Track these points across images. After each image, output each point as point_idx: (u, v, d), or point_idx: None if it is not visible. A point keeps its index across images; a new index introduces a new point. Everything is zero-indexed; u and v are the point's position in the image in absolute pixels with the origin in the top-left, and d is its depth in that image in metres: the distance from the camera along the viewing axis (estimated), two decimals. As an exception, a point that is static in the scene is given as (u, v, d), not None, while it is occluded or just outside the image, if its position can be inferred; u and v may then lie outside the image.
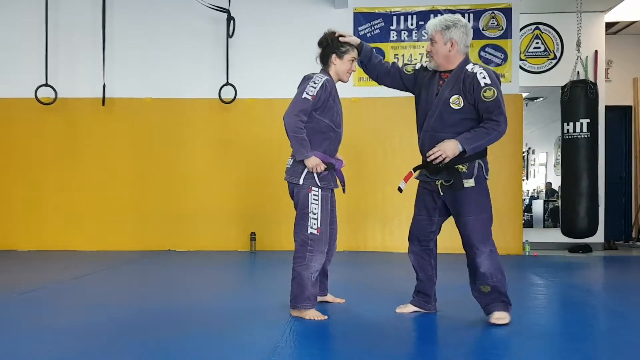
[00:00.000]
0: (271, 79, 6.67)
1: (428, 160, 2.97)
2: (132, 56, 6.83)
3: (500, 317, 2.95)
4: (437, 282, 3.30)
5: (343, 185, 3.38)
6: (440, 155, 2.91)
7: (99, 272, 4.99)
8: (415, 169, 3.21)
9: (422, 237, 3.21)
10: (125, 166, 6.77)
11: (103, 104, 6.58)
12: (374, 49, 3.37)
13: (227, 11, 6.48)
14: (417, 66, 3.24)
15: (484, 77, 2.91)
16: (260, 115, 6.69)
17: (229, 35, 6.54)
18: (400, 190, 3.23)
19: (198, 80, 6.75)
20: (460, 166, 2.95)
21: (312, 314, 3.09)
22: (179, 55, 6.80)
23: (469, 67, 2.99)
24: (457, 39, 2.98)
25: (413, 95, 3.26)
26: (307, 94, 3.09)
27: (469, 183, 2.96)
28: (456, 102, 2.96)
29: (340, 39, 3.23)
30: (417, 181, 3.27)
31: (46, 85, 6.52)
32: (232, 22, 6.50)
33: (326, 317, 3.09)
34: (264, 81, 6.69)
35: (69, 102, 6.71)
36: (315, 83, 3.11)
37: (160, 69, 6.80)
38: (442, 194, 3.05)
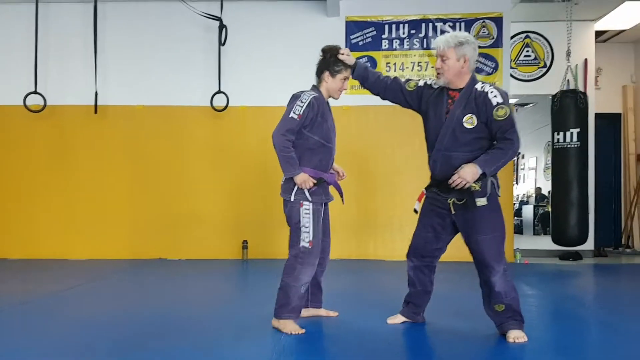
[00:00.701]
0: (263, 87, 6.68)
1: (451, 186, 2.93)
2: (124, 63, 6.81)
3: (517, 336, 2.93)
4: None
5: (341, 196, 3.42)
6: (461, 182, 2.89)
7: (90, 283, 4.97)
8: (427, 188, 3.19)
9: (426, 253, 3.21)
10: (117, 174, 6.74)
11: (95, 112, 6.55)
12: (368, 67, 3.36)
13: (220, 19, 6.48)
14: (421, 83, 3.21)
15: (495, 96, 2.91)
16: (252, 122, 6.69)
17: (221, 43, 6.54)
18: (415, 212, 3.23)
19: (190, 88, 6.75)
20: (474, 184, 2.93)
21: (291, 327, 3.11)
22: (171, 62, 6.79)
23: (479, 86, 2.98)
24: (470, 55, 2.98)
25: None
26: (294, 113, 3.12)
27: (482, 202, 2.95)
28: (469, 121, 2.95)
29: (339, 55, 3.23)
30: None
31: (35, 92, 6.48)
32: (224, 30, 6.50)
33: (304, 330, 3.10)
34: (256, 89, 6.70)
35: (58, 110, 6.68)
36: (302, 102, 3.14)
37: (152, 76, 6.78)
38: (453, 212, 3.04)
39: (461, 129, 2.96)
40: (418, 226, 3.24)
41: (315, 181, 3.17)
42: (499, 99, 2.90)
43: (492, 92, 2.92)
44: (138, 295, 4.46)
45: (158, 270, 5.84)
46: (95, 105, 6.54)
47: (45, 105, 6.51)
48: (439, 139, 3.02)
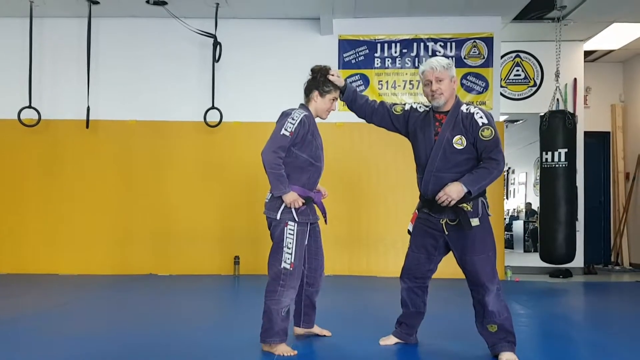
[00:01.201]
0: (257, 103, 6.71)
1: (437, 202, 2.98)
2: (117, 79, 6.83)
3: (509, 358, 2.94)
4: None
5: (324, 216, 3.40)
6: (446, 199, 2.94)
7: (78, 300, 4.95)
8: (418, 209, 3.22)
9: (419, 274, 3.23)
10: (108, 189, 6.73)
11: (87, 127, 6.54)
12: (357, 90, 3.41)
13: (214, 36, 6.52)
14: (407, 107, 3.28)
15: (481, 117, 3.01)
16: (245, 138, 6.71)
17: (216, 60, 6.57)
18: (409, 232, 3.26)
19: (184, 104, 6.77)
20: (465, 205, 2.99)
21: (282, 349, 3.08)
22: (165, 78, 6.81)
23: (464, 107, 3.07)
24: (455, 76, 3.12)
25: None
26: (285, 130, 3.11)
27: (475, 222, 3.00)
28: (459, 142, 3.02)
29: (328, 76, 3.26)
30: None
31: (29, 107, 6.47)
32: (218, 46, 6.54)
33: (296, 352, 3.09)
34: (250, 105, 6.73)
35: (52, 124, 6.67)
36: (293, 119, 3.13)
37: (145, 92, 6.80)
38: (446, 233, 3.07)
39: (451, 150, 3.02)
40: (410, 247, 3.26)
41: (304, 200, 3.17)
42: (485, 120, 3.00)
43: (477, 113, 3.03)
44: (127, 313, 4.43)
45: (148, 286, 5.81)
46: (87, 120, 6.52)
47: (39, 119, 6.50)
48: (430, 160, 3.07)
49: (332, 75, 3.29)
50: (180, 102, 6.78)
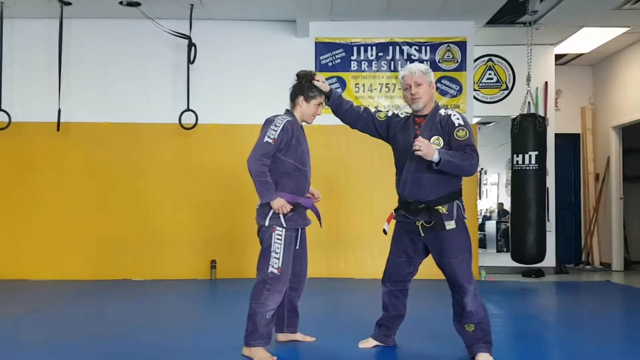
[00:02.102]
0: (233, 105, 6.69)
1: (414, 151, 2.98)
2: (90, 80, 6.72)
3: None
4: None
5: (319, 220, 3.43)
6: (418, 147, 2.94)
7: (51, 306, 4.86)
8: (395, 211, 3.26)
9: (399, 278, 3.27)
10: (80, 192, 6.61)
11: (58, 129, 6.42)
12: (342, 95, 3.48)
13: (188, 37, 6.47)
14: (389, 113, 3.37)
15: (458, 119, 3.10)
16: (221, 141, 6.68)
17: (190, 62, 6.52)
18: (385, 232, 3.29)
19: (158, 106, 6.69)
20: (440, 207, 3.06)
21: (261, 356, 3.09)
22: (139, 80, 6.73)
23: (442, 111, 3.18)
24: (434, 82, 3.23)
25: None
26: (269, 137, 3.14)
27: (450, 225, 3.05)
28: (436, 142, 3.09)
29: (314, 81, 3.29)
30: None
31: (-1, 109, 6.34)
32: (193, 48, 6.49)
33: (275, 358, 3.09)
34: (225, 107, 6.69)
35: (23, 127, 6.52)
36: (276, 126, 3.17)
37: (119, 94, 6.71)
38: (422, 234, 3.12)
39: None
40: (391, 251, 3.30)
41: (291, 207, 3.19)
42: (461, 121, 3.10)
43: (454, 115, 3.13)
44: (102, 320, 4.35)
45: (123, 292, 5.73)
46: (58, 123, 6.39)
47: (10, 122, 6.36)
48: (408, 161, 3.13)
49: (318, 80, 3.32)
50: (154, 104, 6.71)
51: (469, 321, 3.07)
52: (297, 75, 3.37)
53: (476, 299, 3.08)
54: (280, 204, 3.15)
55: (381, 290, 3.35)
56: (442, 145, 3.08)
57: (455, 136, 3.06)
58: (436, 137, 3.09)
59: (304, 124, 3.41)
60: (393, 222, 3.31)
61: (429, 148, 2.96)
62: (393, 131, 3.29)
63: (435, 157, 2.96)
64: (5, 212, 6.55)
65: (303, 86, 3.31)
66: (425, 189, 3.08)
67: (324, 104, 3.39)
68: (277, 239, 3.17)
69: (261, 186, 3.13)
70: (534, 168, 6.16)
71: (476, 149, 3.08)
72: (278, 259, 3.15)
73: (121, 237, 6.58)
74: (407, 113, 3.32)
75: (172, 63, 6.74)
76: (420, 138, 3.00)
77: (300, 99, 3.32)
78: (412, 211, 3.13)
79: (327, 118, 6.60)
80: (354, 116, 3.41)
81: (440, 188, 3.09)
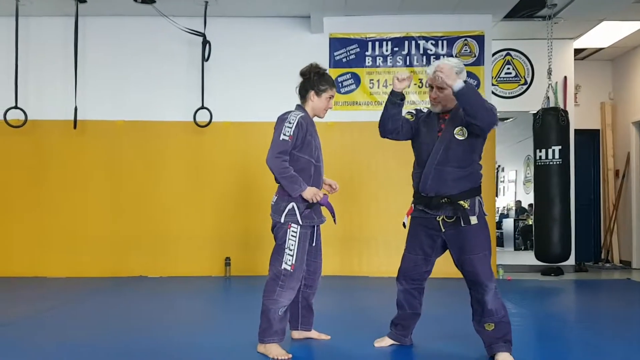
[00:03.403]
0: (247, 103, 6.66)
1: (435, 75, 2.92)
2: (105, 78, 6.74)
3: (505, 359, 2.95)
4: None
5: (333, 217, 3.38)
6: (438, 70, 2.89)
7: (68, 303, 4.86)
8: (415, 205, 3.19)
9: (415, 276, 3.20)
10: (96, 190, 6.64)
11: (74, 127, 6.44)
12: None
13: (203, 35, 6.45)
14: (413, 111, 3.29)
15: None
16: (235, 138, 6.66)
17: (205, 59, 6.50)
18: (404, 225, 3.23)
19: (173, 104, 6.69)
20: (463, 202, 2.99)
21: (276, 353, 3.06)
22: (154, 78, 6.73)
23: None
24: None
25: None
26: (284, 134, 3.11)
27: (473, 220, 2.99)
28: (460, 133, 3.02)
29: (396, 82, 3.07)
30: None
31: (16, 107, 6.37)
32: (207, 45, 6.47)
33: (290, 355, 3.06)
34: (240, 105, 6.67)
35: (39, 125, 6.56)
36: (290, 123, 3.13)
37: (134, 91, 6.72)
38: (443, 230, 3.05)
39: (454, 142, 3.03)
40: (407, 248, 3.23)
41: (322, 195, 3.16)
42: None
43: None
44: (118, 317, 4.35)
45: (139, 289, 5.74)
46: (75, 120, 6.43)
47: (26, 120, 6.40)
48: (432, 154, 3.07)
49: (399, 79, 3.09)
50: (169, 102, 6.71)
51: (489, 320, 2.99)
52: (301, 73, 3.30)
53: (497, 297, 3.00)
54: (312, 192, 3.12)
55: (396, 288, 3.28)
56: (465, 136, 3.00)
57: None
58: (459, 127, 3.02)
59: (315, 119, 3.37)
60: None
61: (448, 68, 2.89)
62: (416, 125, 3.23)
63: (457, 85, 2.86)
64: (22, 209, 6.59)
65: (312, 80, 3.26)
66: (447, 183, 3.01)
67: (334, 96, 3.33)
68: (292, 235, 3.13)
69: (288, 181, 3.10)
70: (558, 163, 6.05)
71: (496, 116, 2.94)
72: (292, 255, 3.12)
73: (137, 234, 6.59)
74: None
75: (187, 60, 6.73)
76: (441, 64, 2.92)
77: (311, 93, 3.27)
78: (433, 206, 3.06)
79: (341, 115, 6.64)
80: (400, 124, 3.23)
81: (462, 183, 3.02)
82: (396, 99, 3.11)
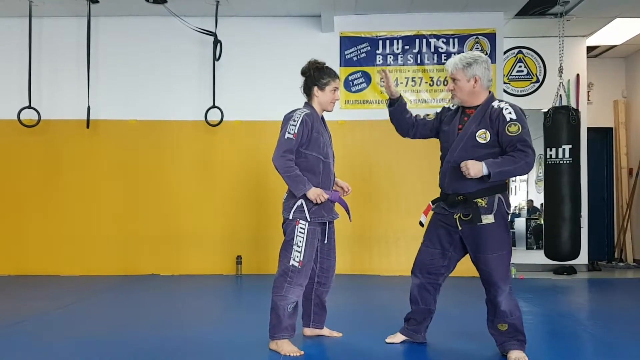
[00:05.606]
0: (258, 102, 6.67)
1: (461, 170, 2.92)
2: (117, 78, 6.78)
3: (518, 357, 2.92)
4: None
5: (348, 213, 3.39)
6: (465, 170, 2.88)
7: (81, 301, 4.90)
8: (433, 202, 3.19)
9: (432, 270, 3.18)
10: (109, 189, 6.69)
11: (87, 126, 6.50)
12: (406, 104, 3.37)
13: (214, 34, 6.48)
14: (439, 110, 3.29)
15: (510, 113, 2.92)
16: (246, 137, 6.67)
17: (216, 58, 6.53)
18: (421, 224, 3.22)
19: (184, 103, 6.72)
20: (480, 200, 2.96)
21: (288, 349, 3.06)
22: (165, 77, 6.76)
23: (495, 103, 3.00)
24: (480, 74, 3.01)
25: None
26: (289, 133, 3.12)
27: (488, 219, 2.95)
28: (482, 136, 2.97)
29: (382, 83, 3.18)
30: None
31: (29, 107, 6.43)
32: (218, 45, 6.50)
33: (302, 352, 3.06)
34: (251, 104, 6.69)
35: (52, 124, 6.63)
36: (294, 121, 3.14)
37: (145, 91, 6.76)
38: (460, 228, 3.04)
39: (473, 143, 2.98)
40: (424, 242, 3.21)
41: (327, 195, 3.16)
42: (513, 116, 2.92)
43: (507, 108, 2.95)
44: (130, 314, 4.38)
45: (151, 287, 5.77)
46: (88, 120, 6.48)
47: (39, 120, 6.46)
48: (450, 151, 3.06)
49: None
50: (180, 101, 6.74)
51: (501, 321, 2.98)
52: (302, 72, 3.33)
53: (510, 299, 2.98)
54: (316, 193, 3.11)
55: (410, 282, 3.26)
56: (487, 139, 2.94)
57: (507, 132, 2.89)
58: (483, 130, 2.96)
59: (326, 115, 3.37)
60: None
61: (473, 167, 2.85)
62: (439, 122, 3.23)
63: (485, 171, 2.86)
64: (36, 208, 6.66)
65: (313, 76, 3.27)
66: (464, 180, 2.97)
67: (338, 88, 3.33)
68: (300, 232, 3.14)
69: (292, 180, 3.10)
70: (568, 162, 6.01)
71: (529, 143, 2.90)
72: (300, 252, 3.12)
73: (149, 233, 6.63)
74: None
75: (198, 60, 6.76)
76: (464, 163, 2.88)
77: (315, 89, 3.28)
78: (450, 203, 3.06)
79: (352, 114, 6.64)
80: (411, 124, 3.30)
81: (480, 181, 2.95)
82: (387, 104, 3.31)
